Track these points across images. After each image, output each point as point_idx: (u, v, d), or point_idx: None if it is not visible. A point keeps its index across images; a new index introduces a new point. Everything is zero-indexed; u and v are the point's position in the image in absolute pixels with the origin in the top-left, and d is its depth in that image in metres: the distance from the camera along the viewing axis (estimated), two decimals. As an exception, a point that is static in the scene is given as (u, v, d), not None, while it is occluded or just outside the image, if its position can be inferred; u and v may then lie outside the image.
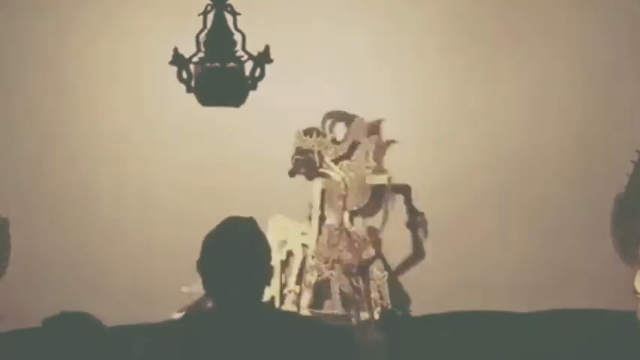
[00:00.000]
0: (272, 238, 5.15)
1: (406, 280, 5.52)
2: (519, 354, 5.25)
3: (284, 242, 5.24)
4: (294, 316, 3.16)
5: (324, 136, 5.31)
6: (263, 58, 3.76)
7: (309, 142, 5.28)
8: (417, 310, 5.53)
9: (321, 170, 5.28)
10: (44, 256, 5.49)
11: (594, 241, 5.49)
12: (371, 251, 5.26)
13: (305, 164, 5.29)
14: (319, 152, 5.28)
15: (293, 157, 5.30)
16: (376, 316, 5.19)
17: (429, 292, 5.54)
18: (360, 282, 5.21)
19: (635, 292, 5.19)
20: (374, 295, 5.22)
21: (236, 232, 2.94)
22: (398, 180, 5.50)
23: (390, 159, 5.49)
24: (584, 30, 5.51)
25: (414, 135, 5.53)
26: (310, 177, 5.31)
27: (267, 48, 3.77)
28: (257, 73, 3.76)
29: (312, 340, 2.91)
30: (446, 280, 5.58)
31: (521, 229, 5.59)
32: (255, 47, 3.77)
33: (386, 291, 5.25)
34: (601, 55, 5.53)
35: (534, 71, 5.54)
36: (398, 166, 5.51)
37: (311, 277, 5.19)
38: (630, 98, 5.53)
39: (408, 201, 5.34)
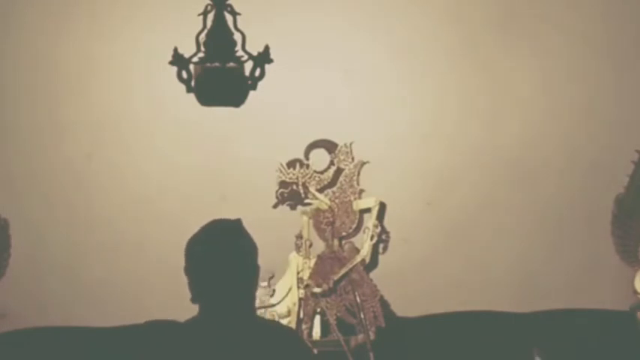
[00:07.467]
0: (293, 275, 5.17)
1: (406, 280, 5.53)
2: (519, 354, 5.26)
3: (301, 280, 5.24)
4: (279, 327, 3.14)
5: (307, 166, 5.31)
6: (263, 58, 3.76)
7: (293, 175, 5.29)
8: (417, 310, 5.54)
9: (306, 201, 5.29)
10: (44, 257, 5.49)
11: (594, 241, 5.50)
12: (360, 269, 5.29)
13: (290, 197, 5.31)
14: (304, 183, 5.29)
15: (277, 192, 5.31)
16: (372, 336, 5.20)
17: (429, 292, 5.55)
18: (357, 299, 5.21)
19: (635, 292, 5.20)
20: (369, 315, 5.23)
21: (222, 235, 2.94)
22: (398, 180, 5.52)
23: (390, 159, 5.50)
24: (586, 29, 5.53)
25: (417, 135, 5.54)
26: (296, 208, 5.33)
27: (267, 48, 3.77)
28: (257, 73, 3.76)
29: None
30: (446, 280, 5.59)
31: (522, 230, 5.60)
32: (255, 47, 3.77)
33: (380, 310, 5.26)
34: (602, 54, 5.55)
35: (537, 73, 5.55)
36: (398, 167, 5.53)
37: (308, 307, 5.21)
38: (630, 97, 5.55)
39: (377, 216, 5.33)
